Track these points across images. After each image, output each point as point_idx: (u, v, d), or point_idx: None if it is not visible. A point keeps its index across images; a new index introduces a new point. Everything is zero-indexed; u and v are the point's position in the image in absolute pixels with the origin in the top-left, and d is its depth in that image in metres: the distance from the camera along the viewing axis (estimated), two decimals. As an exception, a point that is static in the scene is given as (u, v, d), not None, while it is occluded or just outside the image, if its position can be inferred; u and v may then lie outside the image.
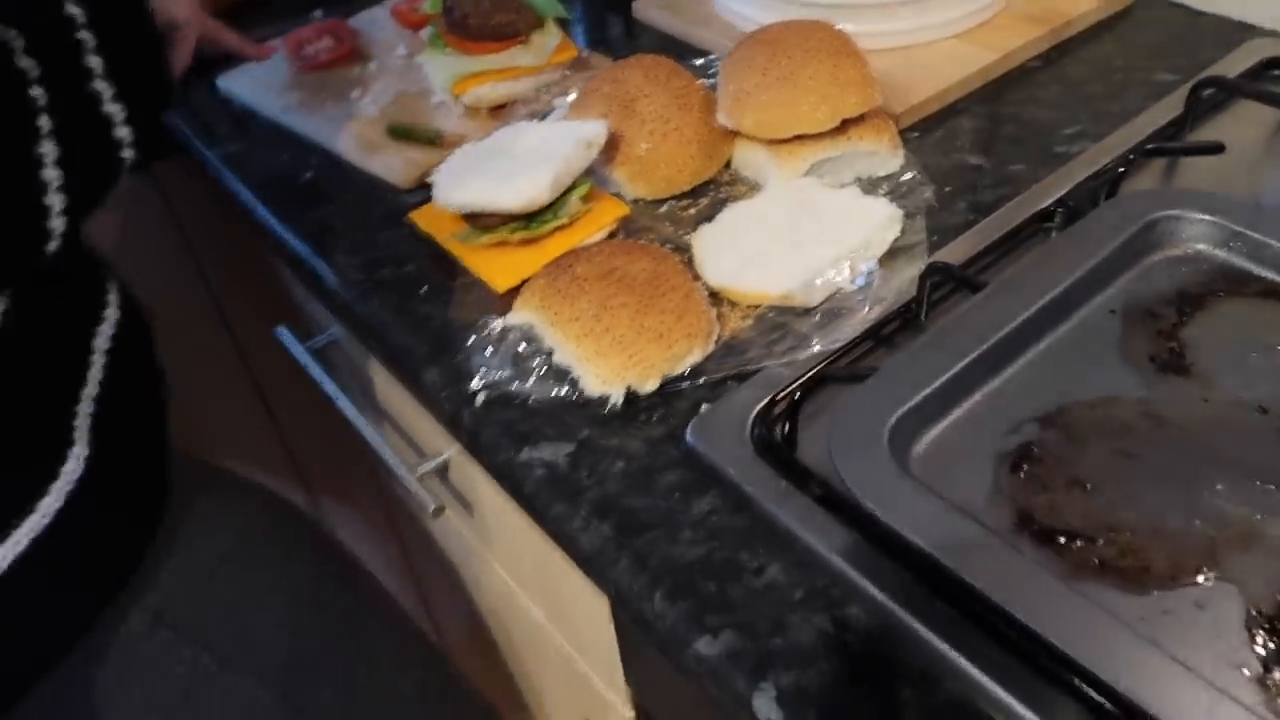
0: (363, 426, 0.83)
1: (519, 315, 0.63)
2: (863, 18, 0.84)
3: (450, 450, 0.80)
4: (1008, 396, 0.49)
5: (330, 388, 0.86)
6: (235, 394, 1.22)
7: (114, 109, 0.52)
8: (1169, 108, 0.74)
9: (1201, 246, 0.55)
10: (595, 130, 0.70)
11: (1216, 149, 0.64)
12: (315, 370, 0.88)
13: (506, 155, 0.70)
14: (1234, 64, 0.78)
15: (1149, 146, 0.66)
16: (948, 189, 0.72)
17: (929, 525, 0.41)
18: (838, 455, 0.45)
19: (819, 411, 0.56)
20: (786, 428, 0.53)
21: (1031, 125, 0.78)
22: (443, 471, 0.82)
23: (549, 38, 0.86)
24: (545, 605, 0.80)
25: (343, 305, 0.72)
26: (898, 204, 0.69)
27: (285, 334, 0.91)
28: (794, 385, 0.55)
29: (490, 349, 0.63)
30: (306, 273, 0.77)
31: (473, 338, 0.64)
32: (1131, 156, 0.65)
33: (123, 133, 0.53)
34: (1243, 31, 0.85)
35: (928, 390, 0.47)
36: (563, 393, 0.60)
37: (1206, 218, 0.54)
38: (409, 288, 0.71)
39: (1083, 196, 0.65)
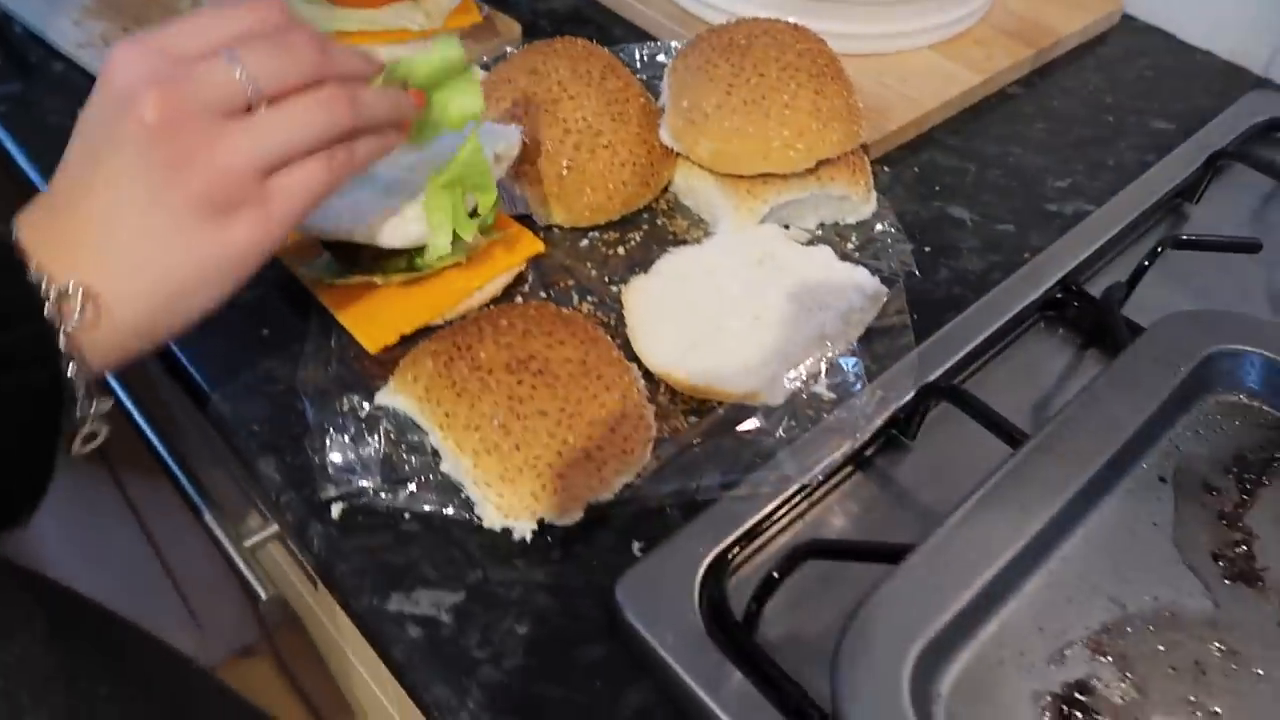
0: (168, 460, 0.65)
1: (395, 398, 0.48)
2: (830, 15, 0.69)
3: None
4: (1048, 603, 0.38)
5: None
6: None
7: None
8: (1170, 170, 0.64)
9: (1258, 391, 0.45)
10: (506, 138, 0.54)
11: (1254, 247, 0.55)
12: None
13: (385, 162, 0.53)
14: (1234, 121, 0.68)
15: (1182, 237, 0.55)
16: (927, 248, 0.60)
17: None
18: (847, 698, 0.33)
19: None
20: (754, 606, 0.40)
21: (1018, 171, 0.66)
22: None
23: (446, -7, 0.67)
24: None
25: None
26: (870, 264, 0.57)
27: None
28: (758, 544, 0.43)
29: (351, 438, 0.47)
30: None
31: (327, 418, 0.48)
32: (1160, 249, 0.54)
33: None
34: (1233, 76, 0.76)
35: (962, 602, 0.35)
36: (449, 512, 0.45)
37: (1275, 357, 0.44)
38: (245, 328, 0.53)
39: (1076, 289, 0.54)
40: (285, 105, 0.39)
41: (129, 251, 0.37)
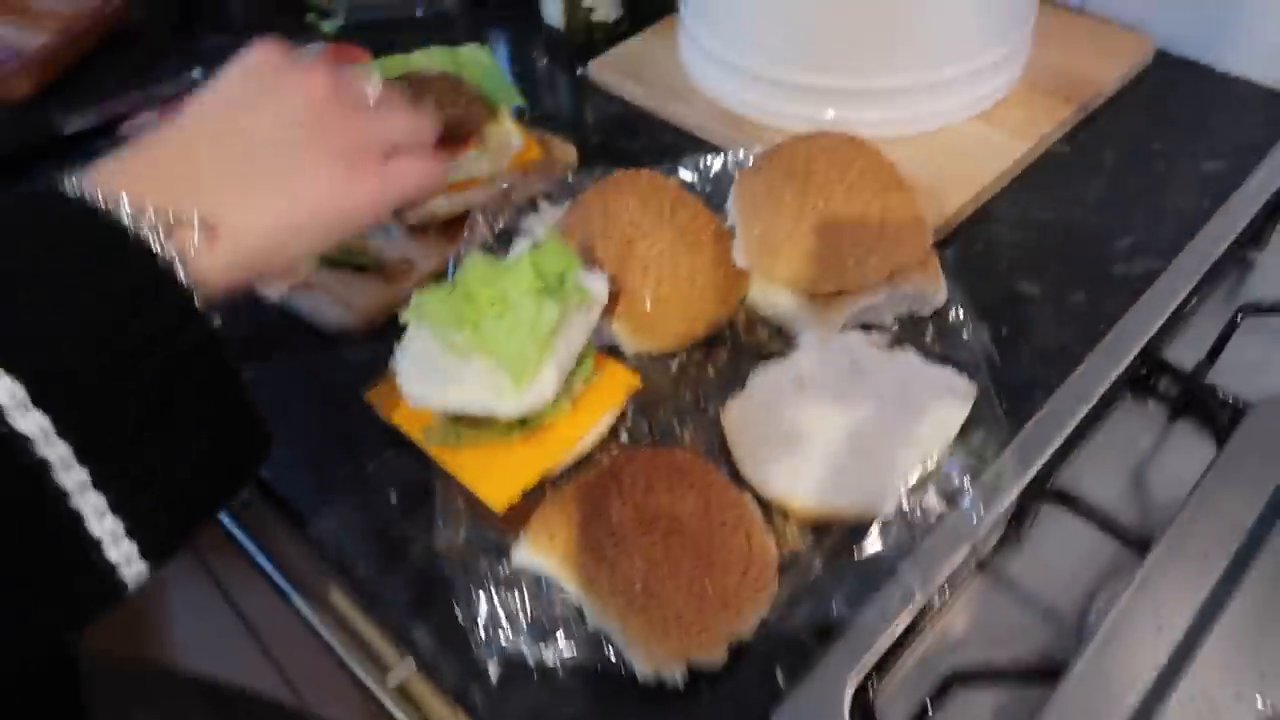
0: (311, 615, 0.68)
1: (533, 559, 0.50)
2: (871, 104, 0.72)
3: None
4: (1198, 715, 0.40)
5: (267, 566, 0.71)
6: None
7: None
8: (1231, 219, 0.65)
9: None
10: (595, 290, 0.57)
11: (1331, 305, 0.56)
12: (246, 542, 0.72)
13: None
14: (1287, 154, 0.70)
15: (1255, 306, 0.57)
16: (1004, 329, 0.62)
17: None
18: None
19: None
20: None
21: (1079, 236, 0.68)
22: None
23: (508, 135, 0.71)
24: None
25: (292, 516, 0.58)
26: (952, 355, 0.59)
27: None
28: (897, 657, 0.45)
29: (498, 599, 0.50)
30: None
31: (472, 580, 0.51)
32: (1239, 317, 0.56)
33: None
34: (1276, 103, 0.77)
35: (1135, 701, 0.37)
36: (602, 664, 0.48)
37: (1372, 434, 0.45)
38: (374, 497, 0.56)
39: (1158, 361, 0.56)
40: (400, 115, 0.50)
41: (264, 182, 0.42)
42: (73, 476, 0.35)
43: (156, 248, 0.38)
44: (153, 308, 0.37)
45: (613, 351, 0.62)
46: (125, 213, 0.38)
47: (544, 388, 0.52)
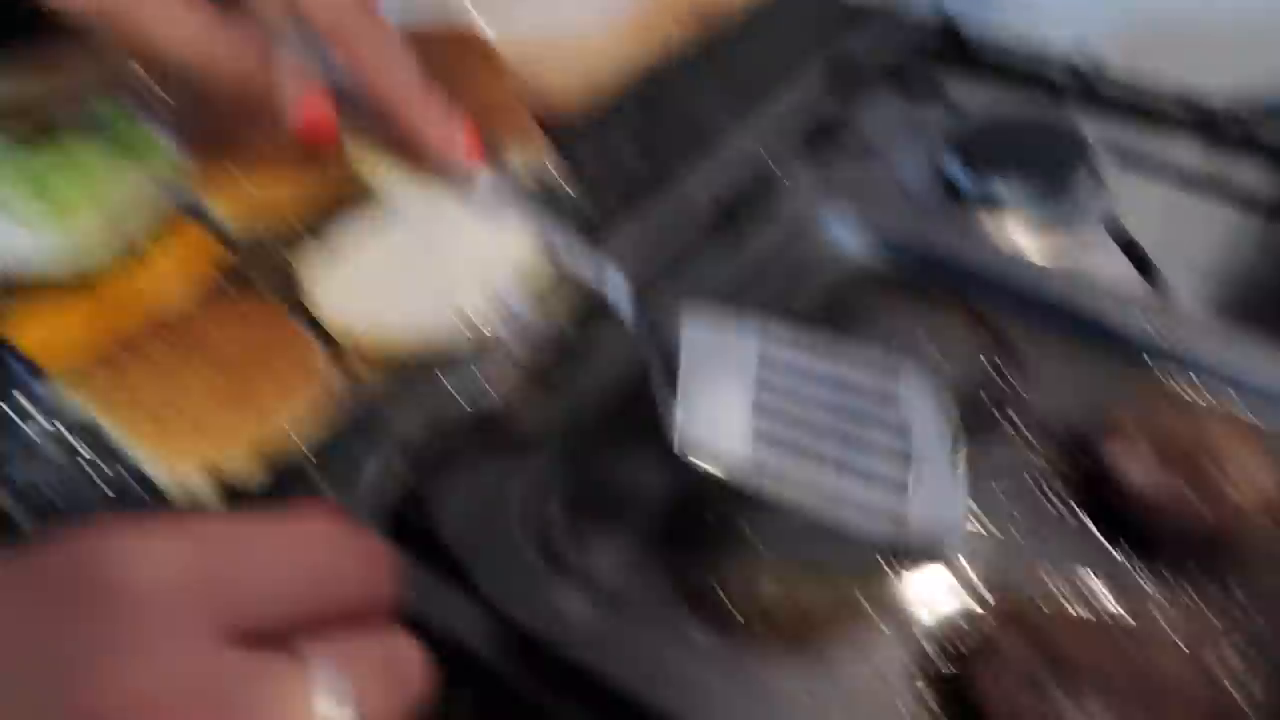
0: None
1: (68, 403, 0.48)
2: (499, 8, 0.75)
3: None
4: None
5: None
6: None
7: None
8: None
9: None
10: (165, 148, 0.56)
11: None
12: None
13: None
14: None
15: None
16: (601, 193, 0.65)
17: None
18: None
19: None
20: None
21: (688, 119, 0.72)
22: None
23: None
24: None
25: None
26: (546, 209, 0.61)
27: None
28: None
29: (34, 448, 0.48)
30: None
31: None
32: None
33: None
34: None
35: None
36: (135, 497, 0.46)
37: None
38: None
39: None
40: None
41: None
42: None
43: None
44: None
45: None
46: None
47: (87, 233, 0.51)
